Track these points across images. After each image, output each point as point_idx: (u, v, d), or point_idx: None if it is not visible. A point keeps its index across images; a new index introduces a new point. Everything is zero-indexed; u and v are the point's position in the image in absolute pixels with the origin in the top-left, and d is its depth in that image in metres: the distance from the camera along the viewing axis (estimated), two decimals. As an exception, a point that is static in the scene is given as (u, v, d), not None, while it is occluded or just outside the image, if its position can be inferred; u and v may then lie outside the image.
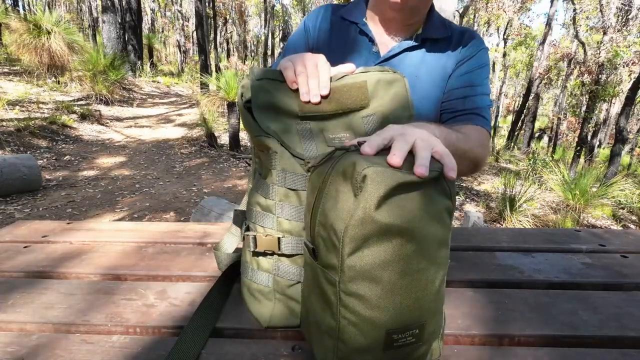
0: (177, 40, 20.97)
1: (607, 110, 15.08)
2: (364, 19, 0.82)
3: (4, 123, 4.67)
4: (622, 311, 0.58)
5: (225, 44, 23.45)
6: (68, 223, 0.94)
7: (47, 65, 6.71)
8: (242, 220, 0.59)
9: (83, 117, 5.91)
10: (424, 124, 0.54)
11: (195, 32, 15.54)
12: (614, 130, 7.88)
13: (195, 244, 0.82)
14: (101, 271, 0.69)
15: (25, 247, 0.80)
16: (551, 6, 10.73)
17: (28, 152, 4.37)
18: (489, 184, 6.09)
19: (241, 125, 5.29)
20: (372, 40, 0.81)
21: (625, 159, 13.26)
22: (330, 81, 0.52)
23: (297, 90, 0.51)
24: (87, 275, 0.69)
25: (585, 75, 10.15)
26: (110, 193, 3.68)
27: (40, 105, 5.72)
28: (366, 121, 0.53)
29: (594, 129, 11.80)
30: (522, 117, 12.78)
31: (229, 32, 23.82)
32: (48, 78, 6.91)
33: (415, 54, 0.80)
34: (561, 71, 14.56)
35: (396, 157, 0.37)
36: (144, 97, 8.96)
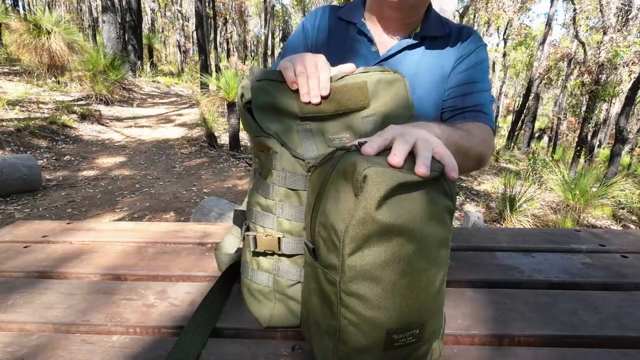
0: (177, 40, 20.97)
1: (607, 110, 15.09)
2: (362, 19, 0.83)
3: (4, 123, 4.67)
4: (622, 311, 0.58)
5: (225, 44, 23.45)
6: (68, 223, 0.94)
7: (47, 65, 6.71)
8: (242, 220, 0.59)
9: (83, 117, 5.91)
10: (425, 124, 0.54)
11: (195, 32, 15.55)
12: (614, 130, 7.89)
13: (195, 244, 0.82)
14: (101, 271, 0.69)
15: (25, 247, 0.80)
16: (551, 6, 10.73)
17: (28, 152, 4.37)
18: (489, 184, 6.09)
19: (241, 125, 5.29)
20: (370, 40, 0.81)
21: (625, 159, 13.27)
22: (331, 81, 0.52)
23: (297, 91, 0.51)
24: (87, 275, 0.69)
25: (585, 75, 10.16)
26: (110, 193, 3.68)
27: (40, 105, 5.72)
28: (366, 121, 0.53)
29: (594, 129, 11.80)
30: (522, 117, 12.78)
31: (229, 32, 23.82)
32: (48, 78, 6.91)
33: (414, 52, 0.81)
34: (561, 71, 14.57)
35: (397, 157, 0.37)
36: (144, 97, 8.96)
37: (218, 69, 10.87)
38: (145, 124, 6.75)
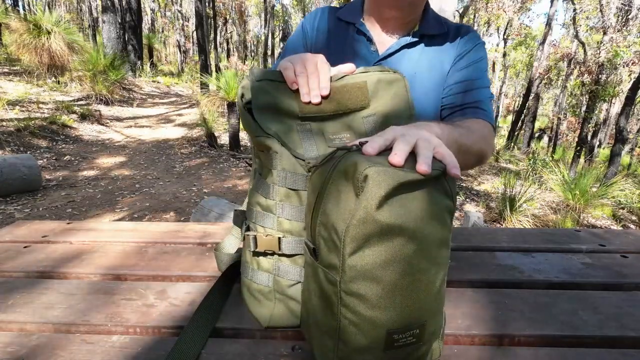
0: (177, 40, 20.97)
1: (607, 110, 15.09)
2: (361, 19, 0.83)
3: (4, 123, 4.67)
4: (622, 311, 0.58)
5: (225, 44, 23.45)
6: (68, 223, 0.94)
7: (47, 65, 6.71)
8: (243, 220, 0.59)
9: (83, 117, 5.91)
10: (425, 124, 0.54)
11: (195, 32, 15.55)
12: (614, 130, 7.89)
13: (195, 244, 0.82)
14: (101, 271, 0.69)
15: (25, 247, 0.80)
16: (551, 6, 10.73)
17: (28, 152, 4.37)
18: (489, 184, 6.09)
19: (241, 125, 5.29)
20: (370, 40, 0.82)
21: (625, 159, 13.27)
22: (331, 81, 0.52)
23: (297, 91, 0.51)
24: (87, 275, 0.69)
25: (585, 75, 10.16)
26: (110, 193, 3.68)
27: (40, 105, 5.72)
28: (366, 121, 0.53)
29: (594, 129, 11.81)
30: (522, 117, 12.78)
31: (229, 32, 23.82)
32: (48, 78, 6.91)
33: (413, 50, 0.81)
34: (561, 71, 14.57)
35: (398, 157, 0.37)
36: (144, 97, 8.96)
37: (218, 69, 10.88)
38: (145, 124, 6.75)
